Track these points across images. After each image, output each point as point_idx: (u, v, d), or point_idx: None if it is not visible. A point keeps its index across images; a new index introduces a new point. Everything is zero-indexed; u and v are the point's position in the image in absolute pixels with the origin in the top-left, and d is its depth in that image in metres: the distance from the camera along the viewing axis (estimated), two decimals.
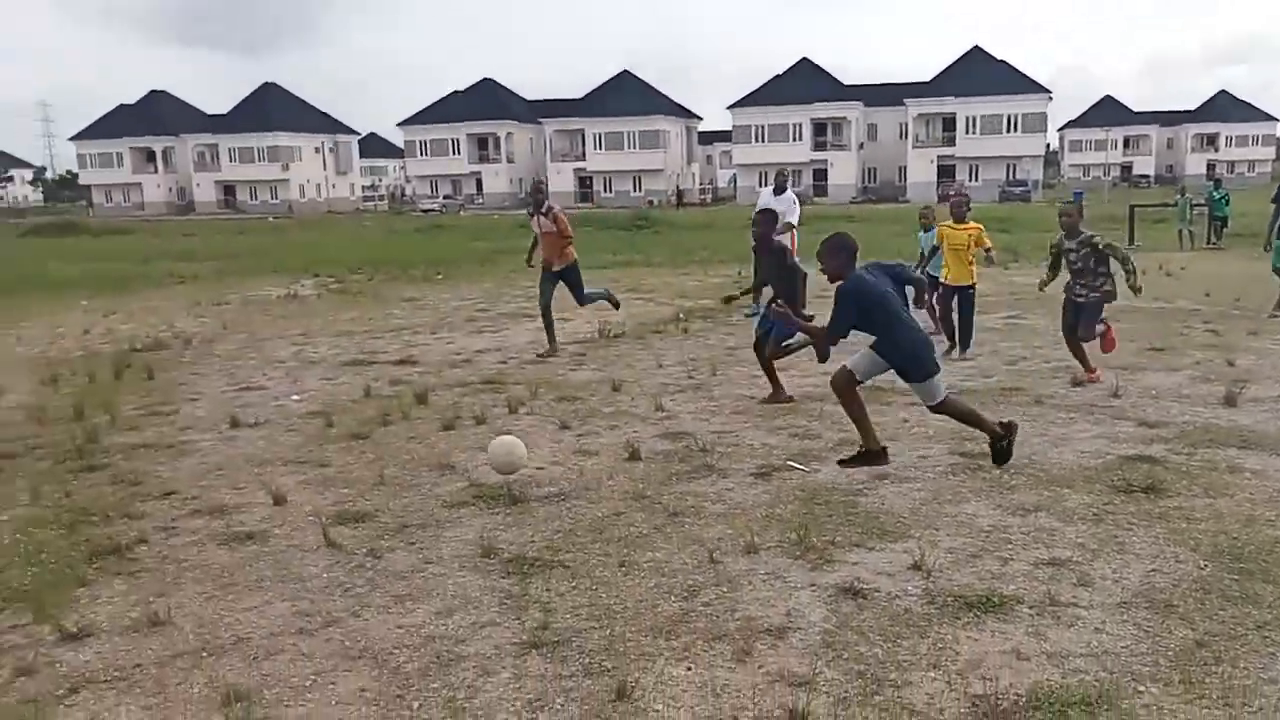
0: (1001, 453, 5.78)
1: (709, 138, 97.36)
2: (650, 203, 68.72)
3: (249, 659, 3.71)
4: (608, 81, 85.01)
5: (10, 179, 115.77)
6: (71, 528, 5.20)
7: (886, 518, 5.00)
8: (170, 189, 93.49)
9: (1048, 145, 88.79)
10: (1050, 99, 75.68)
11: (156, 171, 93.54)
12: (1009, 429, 5.82)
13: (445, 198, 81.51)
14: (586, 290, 10.65)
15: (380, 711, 3.30)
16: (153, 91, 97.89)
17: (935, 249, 10.08)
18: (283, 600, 4.24)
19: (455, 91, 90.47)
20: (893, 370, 5.71)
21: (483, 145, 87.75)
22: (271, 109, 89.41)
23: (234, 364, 10.30)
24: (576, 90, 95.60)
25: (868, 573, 4.31)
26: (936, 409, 5.75)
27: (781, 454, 6.19)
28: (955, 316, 9.49)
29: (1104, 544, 4.58)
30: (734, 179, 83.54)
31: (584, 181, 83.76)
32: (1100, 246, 7.89)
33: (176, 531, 5.15)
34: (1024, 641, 3.65)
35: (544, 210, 10.40)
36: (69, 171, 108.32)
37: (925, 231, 10.74)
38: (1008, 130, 74.60)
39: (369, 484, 5.86)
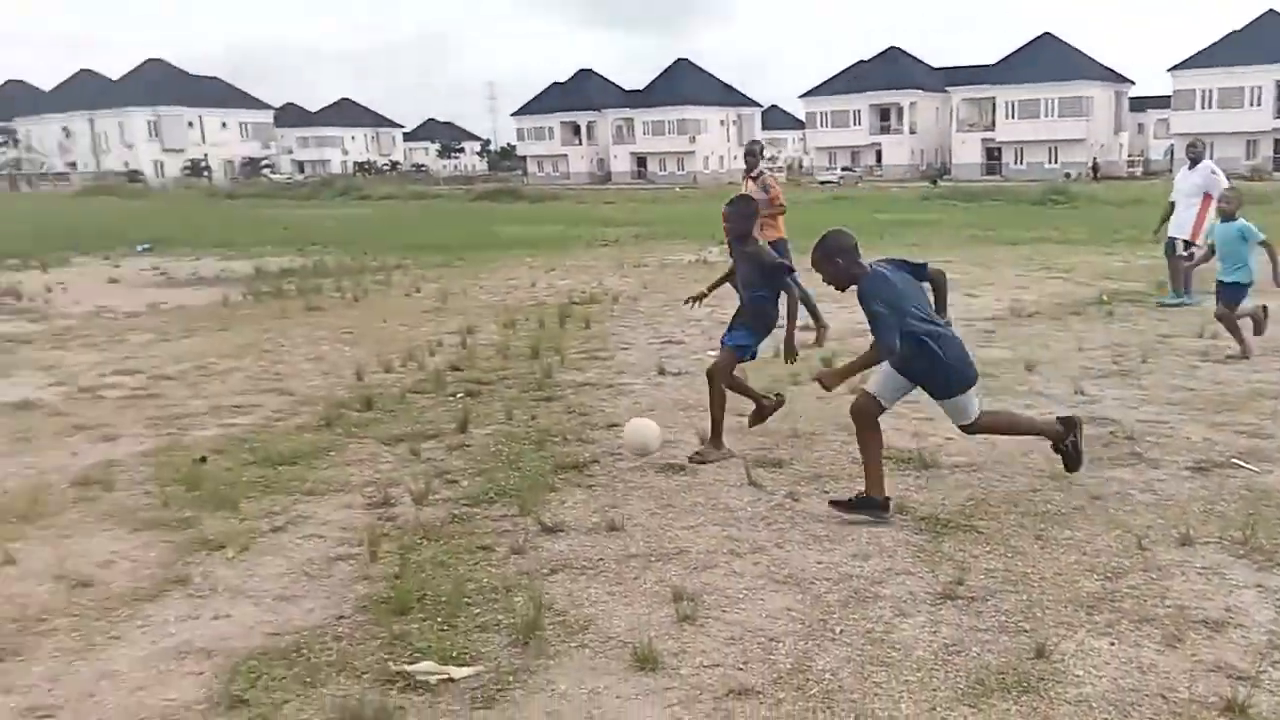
0: (1071, 457, 5.09)
1: (1141, 104, 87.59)
2: (1067, 175, 63.50)
3: (689, 568, 4.26)
4: (1026, 44, 79.54)
5: (462, 150, 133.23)
6: (539, 444, 6.18)
7: None
8: (591, 160, 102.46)
9: None
10: None
11: (581, 144, 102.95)
12: (1071, 426, 5.06)
13: (843, 169, 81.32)
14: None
15: (806, 629, 3.66)
16: (581, 70, 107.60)
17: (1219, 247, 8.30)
18: (714, 525, 4.77)
19: (860, 61, 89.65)
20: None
21: (884, 116, 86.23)
22: (682, 84, 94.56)
23: (656, 320, 11.33)
24: (989, 55, 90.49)
25: None
26: (970, 429, 4.95)
27: (1224, 450, 5.70)
28: None
29: None
30: (1170, 150, 74.53)
31: (991, 153, 79.43)
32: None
33: (621, 457, 5.92)
34: None
35: (755, 175, 9.67)
36: (508, 144, 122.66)
37: (1222, 222, 8.43)
38: None
39: (783, 435, 6.29)
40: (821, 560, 4.31)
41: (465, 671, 3.39)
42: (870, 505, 4.74)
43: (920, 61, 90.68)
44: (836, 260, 4.69)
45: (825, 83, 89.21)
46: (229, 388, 8.08)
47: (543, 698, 3.26)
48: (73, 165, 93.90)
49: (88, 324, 11.61)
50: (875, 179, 76.47)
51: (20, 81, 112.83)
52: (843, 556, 4.35)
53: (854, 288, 4.69)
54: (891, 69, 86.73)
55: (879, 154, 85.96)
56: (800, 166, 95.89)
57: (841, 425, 6.48)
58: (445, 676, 3.35)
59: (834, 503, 4.86)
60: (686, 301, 6.85)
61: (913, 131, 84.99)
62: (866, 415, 4.79)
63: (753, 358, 6.15)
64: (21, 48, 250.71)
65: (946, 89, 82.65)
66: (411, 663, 3.45)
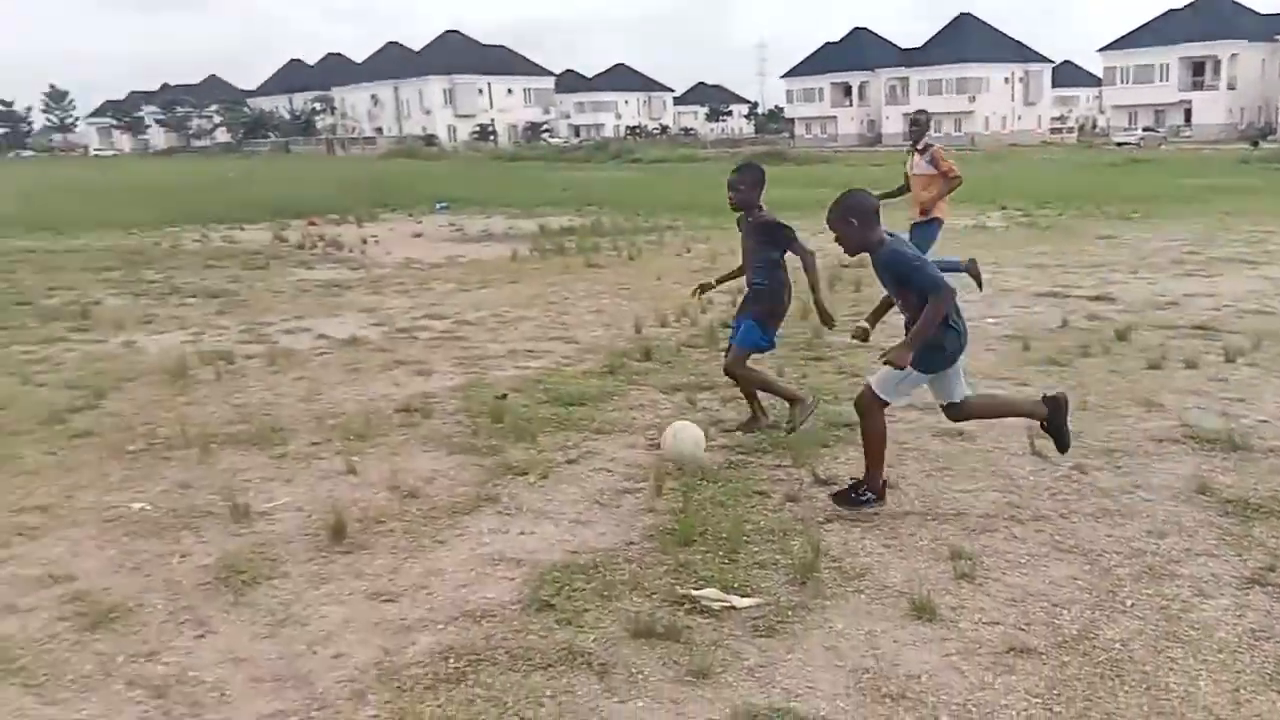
0: (1059, 434, 4.63)
1: None
2: None
3: (966, 530, 4.25)
4: None
5: (729, 113, 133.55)
6: None
7: None
8: (862, 121, 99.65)
9: None
10: None
11: (851, 105, 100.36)
12: (1056, 406, 4.61)
13: (1145, 129, 74.06)
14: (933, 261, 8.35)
15: (1093, 599, 3.57)
16: (855, 28, 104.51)
17: None
18: (993, 490, 4.70)
19: (1170, 10, 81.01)
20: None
21: (1198, 70, 77.59)
22: (965, 40, 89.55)
23: None
24: None
25: None
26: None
27: None
28: None
29: None
30: None
31: None
32: None
33: (893, 419, 5.89)
34: None
35: (920, 148, 9.02)
36: (777, 106, 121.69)
37: None
38: None
39: (1072, 407, 5.99)
40: (1111, 534, 4.15)
41: (747, 602, 3.61)
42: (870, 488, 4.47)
43: (1244, 7, 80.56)
44: (851, 221, 4.30)
45: (1129, 34, 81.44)
46: (521, 334, 8.78)
47: (820, 634, 3.41)
48: (379, 130, 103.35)
49: (399, 273, 12.94)
50: (1183, 140, 69.06)
51: (338, 54, 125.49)
52: (1136, 532, 4.16)
53: (868, 258, 4.38)
54: (1208, 17, 77.62)
55: (1188, 112, 77.52)
56: (1094, 127, 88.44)
57: (1136, 399, 6.15)
58: (728, 604, 3.59)
59: (835, 496, 4.55)
60: (693, 293, 6.29)
61: (1231, 87, 75.86)
62: (865, 407, 4.49)
63: (772, 346, 5.81)
64: (342, 23, 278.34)
65: (1277, 38, 72.97)
66: (698, 588, 3.71)
